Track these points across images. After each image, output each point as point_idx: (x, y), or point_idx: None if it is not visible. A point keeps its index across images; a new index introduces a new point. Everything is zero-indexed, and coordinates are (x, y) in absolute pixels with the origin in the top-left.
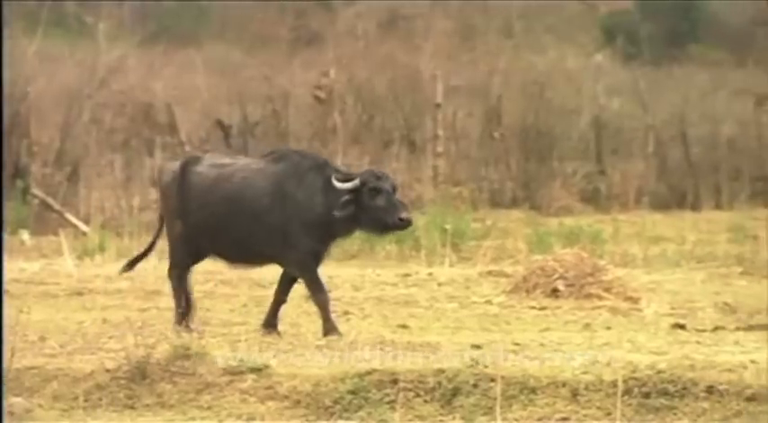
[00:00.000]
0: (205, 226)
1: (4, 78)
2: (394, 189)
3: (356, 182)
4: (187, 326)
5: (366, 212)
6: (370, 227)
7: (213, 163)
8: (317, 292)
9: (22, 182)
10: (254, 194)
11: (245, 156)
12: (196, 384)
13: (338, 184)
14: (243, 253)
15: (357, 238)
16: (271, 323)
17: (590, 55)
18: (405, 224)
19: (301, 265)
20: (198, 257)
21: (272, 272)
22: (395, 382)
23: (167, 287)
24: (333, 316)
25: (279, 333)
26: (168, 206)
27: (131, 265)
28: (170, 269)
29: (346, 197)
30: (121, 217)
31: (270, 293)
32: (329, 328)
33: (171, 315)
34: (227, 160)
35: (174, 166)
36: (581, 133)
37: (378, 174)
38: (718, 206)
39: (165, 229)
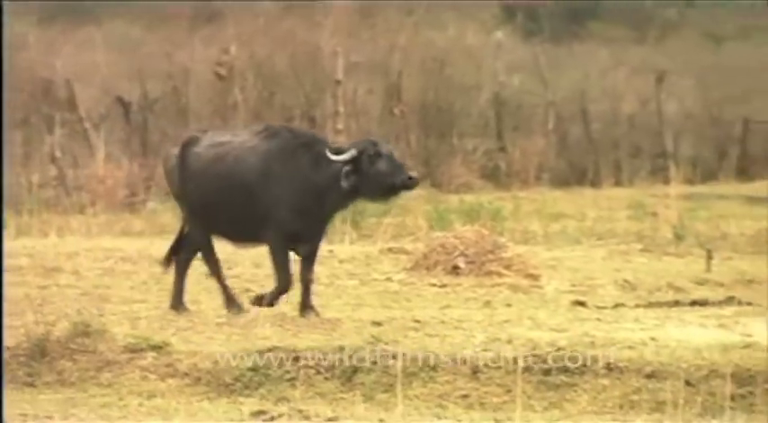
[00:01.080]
0: (202, 206)
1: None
2: (391, 152)
3: (352, 151)
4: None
5: (369, 179)
6: (375, 193)
7: (211, 142)
8: (281, 272)
9: None
10: (245, 173)
11: (242, 130)
12: (96, 362)
13: (334, 157)
14: (240, 233)
15: None
16: (307, 305)
17: (490, 32)
18: (414, 182)
19: (275, 244)
20: (208, 234)
21: None
22: (296, 359)
23: (67, 264)
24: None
25: (317, 313)
26: (173, 191)
27: (168, 260)
28: (177, 249)
29: (347, 168)
30: (20, 194)
31: (170, 270)
32: (270, 301)
33: (71, 292)
34: (225, 138)
35: (175, 150)
36: (481, 110)
37: (373, 141)
38: (618, 183)
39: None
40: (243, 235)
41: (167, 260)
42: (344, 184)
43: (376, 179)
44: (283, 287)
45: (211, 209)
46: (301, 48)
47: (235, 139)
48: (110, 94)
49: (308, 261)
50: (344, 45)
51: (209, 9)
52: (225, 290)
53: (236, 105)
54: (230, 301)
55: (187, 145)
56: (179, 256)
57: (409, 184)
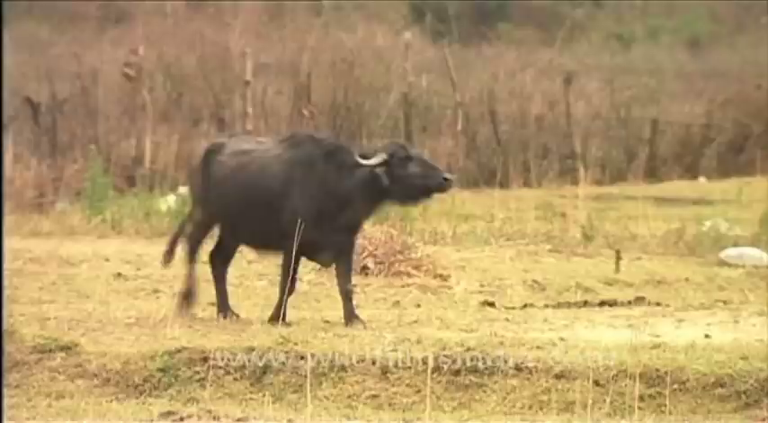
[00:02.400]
0: (226, 214)
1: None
2: (420, 155)
3: (382, 155)
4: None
5: (401, 182)
6: (408, 196)
7: (235, 150)
8: (284, 276)
9: None
10: (268, 181)
11: (266, 138)
12: (5, 362)
13: (364, 161)
14: (264, 241)
15: (165, 215)
16: (351, 316)
17: (399, 33)
18: (449, 184)
19: (289, 250)
20: (227, 244)
21: (83, 249)
22: (205, 359)
23: None
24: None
25: (364, 323)
26: (192, 193)
27: (170, 255)
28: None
29: (380, 170)
30: None
31: (80, 270)
32: (276, 315)
33: None
34: (249, 146)
35: (200, 156)
36: (390, 111)
37: (401, 144)
38: (526, 184)
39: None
40: (267, 243)
41: (168, 257)
42: (385, 181)
43: (409, 182)
44: (282, 290)
45: (235, 217)
46: (210, 48)
47: (259, 147)
48: (18, 94)
49: (342, 271)
50: (253, 46)
51: (117, 10)
52: (222, 294)
53: (144, 106)
54: (223, 306)
55: (211, 152)
56: (216, 265)
57: (445, 185)
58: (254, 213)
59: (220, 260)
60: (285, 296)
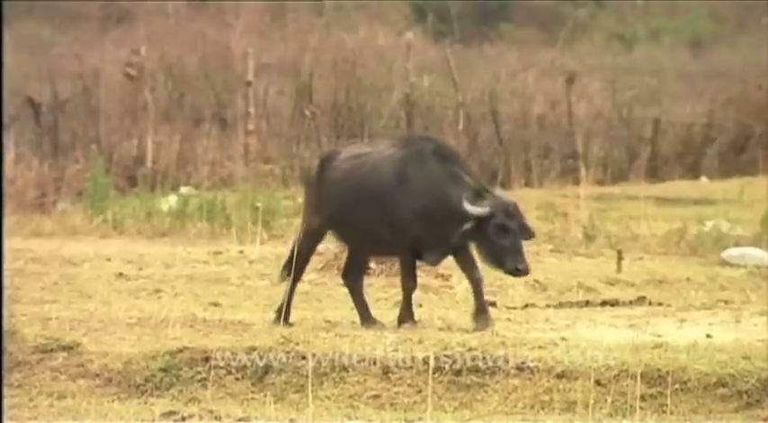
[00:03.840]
0: (339, 217)
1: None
2: (521, 228)
3: (486, 210)
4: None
5: (486, 243)
6: (484, 257)
7: (350, 155)
8: (408, 277)
9: None
10: (380, 179)
11: (382, 141)
12: (6, 362)
13: (468, 208)
14: (375, 243)
15: (166, 215)
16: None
17: (401, 33)
18: (521, 274)
19: (404, 250)
20: (356, 256)
21: (85, 249)
22: (206, 359)
23: None
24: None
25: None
26: (307, 201)
27: (286, 268)
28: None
29: (469, 225)
30: None
31: (81, 270)
32: (405, 316)
33: None
34: (364, 150)
35: (316, 163)
36: (392, 111)
37: (510, 210)
38: (528, 184)
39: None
40: (378, 245)
41: (285, 271)
42: (454, 240)
43: (490, 249)
44: (410, 289)
45: (347, 219)
46: (212, 49)
47: (373, 149)
48: (20, 94)
49: (467, 265)
50: (255, 46)
51: (119, 10)
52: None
53: (146, 106)
54: (366, 318)
55: (327, 159)
56: (348, 279)
57: (516, 273)
58: (365, 212)
59: (353, 274)
60: (410, 295)
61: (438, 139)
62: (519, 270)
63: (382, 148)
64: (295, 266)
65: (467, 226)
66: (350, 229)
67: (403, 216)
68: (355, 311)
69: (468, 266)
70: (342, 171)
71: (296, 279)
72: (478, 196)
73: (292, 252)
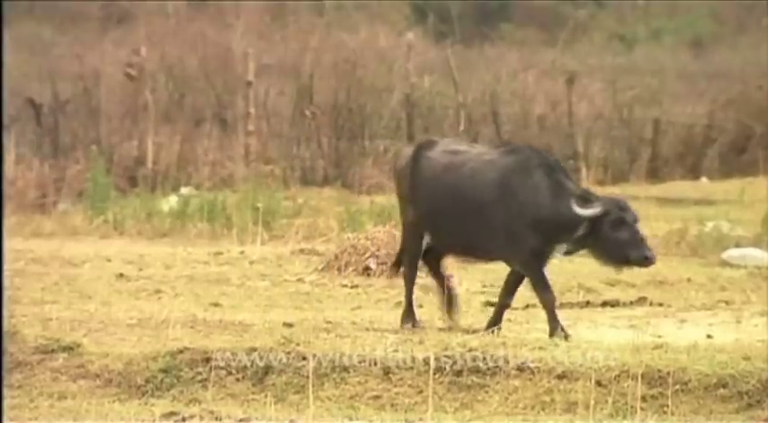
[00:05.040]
0: (432, 215)
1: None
2: (635, 221)
3: (598, 210)
4: (448, 316)
5: (605, 243)
6: (607, 258)
7: (446, 149)
8: (543, 291)
9: None
10: (481, 186)
11: (480, 144)
12: (7, 363)
13: (579, 211)
14: (467, 247)
15: (167, 216)
16: (496, 322)
17: (401, 33)
18: (650, 263)
19: (525, 264)
20: (433, 246)
21: (85, 250)
22: (207, 360)
23: None
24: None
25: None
26: (401, 192)
27: (397, 265)
28: (402, 256)
29: (583, 230)
30: None
31: (82, 271)
32: (554, 328)
33: None
34: (461, 147)
35: (409, 150)
36: (392, 111)
37: (621, 204)
38: None
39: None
40: (471, 249)
41: (396, 267)
42: (571, 249)
43: (611, 246)
44: (551, 302)
45: (441, 219)
46: (212, 49)
47: (471, 149)
48: (20, 95)
49: (516, 284)
50: (255, 46)
51: (119, 10)
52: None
53: (146, 107)
54: (408, 314)
55: (422, 148)
56: (403, 259)
57: (644, 263)
58: (462, 217)
59: (410, 259)
60: (553, 305)
61: (539, 148)
62: (647, 258)
63: (481, 152)
64: (405, 263)
65: (580, 231)
66: (440, 228)
67: (518, 229)
68: (356, 312)
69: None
70: (439, 166)
71: (410, 278)
72: (585, 201)
73: (401, 250)
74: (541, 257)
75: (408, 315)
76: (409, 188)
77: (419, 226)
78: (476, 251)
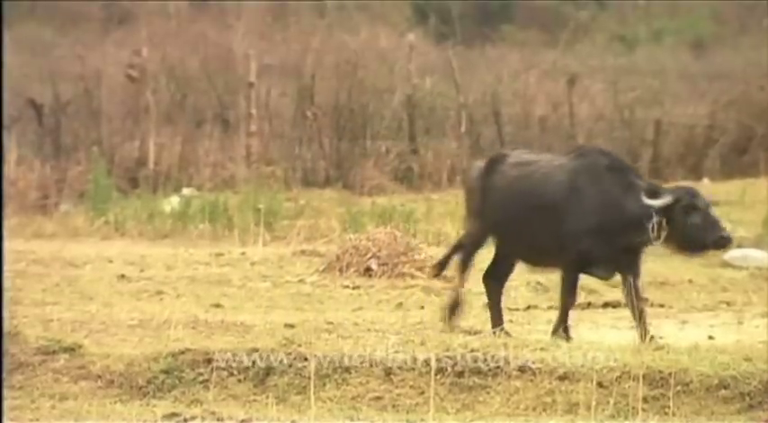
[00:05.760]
0: (503, 225)
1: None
2: (707, 206)
3: (668, 198)
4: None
5: (679, 231)
6: (683, 246)
7: (517, 161)
8: (569, 293)
9: None
10: (550, 190)
11: (549, 152)
12: (8, 364)
13: (649, 202)
14: (540, 254)
15: (168, 217)
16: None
17: (402, 34)
18: (727, 242)
19: (569, 264)
20: (503, 261)
21: (87, 251)
22: (208, 361)
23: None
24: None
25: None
26: (470, 205)
27: (442, 266)
28: (448, 259)
29: (657, 219)
30: None
31: (83, 272)
32: (558, 327)
33: None
34: (531, 157)
35: (480, 164)
36: (394, 112)
37: (690, 191)
38: None
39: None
40: (543, 256)
41: (440, 267)
42: (653, 235)
43: (686, 233)
44: (566, 306)
45: (512, 227)
46: (213, 50)
47: (542, 158)
48: (21, 96)
49: (633, 287)
50: (257, 47)
51: (120, 11)
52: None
53: (147, 108)
54: (497, 321)
55: (494, 161)
56: (489, 283)
57: (721, 243)
58: (533, 223)
59: (495, 278)
60: (567, 310)
61: (610, 150)
62: (724, 238)
63: (551, 158)
64: (458, 270)
65: (654, 220)
66: (512, 238)
67: (574, 230)
68: (357, 313)
69: (633, 293)
70: (509, 177)
71: (460, 284)
72: (654, 193)
73: (449, 252)
74: (594, 260)
75: (451, 314)
76: (480, 201)
77: (482, 237)
78: (546, 258)
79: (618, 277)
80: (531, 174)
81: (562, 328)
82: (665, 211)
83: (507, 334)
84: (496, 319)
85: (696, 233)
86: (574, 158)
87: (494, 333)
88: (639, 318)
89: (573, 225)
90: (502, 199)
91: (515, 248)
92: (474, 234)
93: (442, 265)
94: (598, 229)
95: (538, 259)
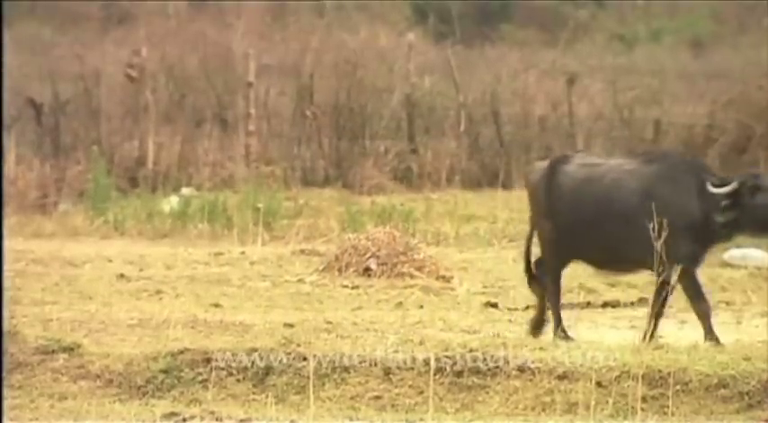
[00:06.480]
0: (573, 228)
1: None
2: None
3: (734, 184)
4: (562, 334)
5: (750, 213)
6: (756, 227)
7: (583, 162)
8: (697, 299)
9: None
10: (625, 196)
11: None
12: (7, 364)
13: (715, 190)
14: (611, 257)
15: (167, 216)
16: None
17: (402, 34)
18: None
19: (684, 272)
20: (567, 260)
21: (86, 250)
22: (207, 361)
23: None
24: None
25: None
26: (537, 207)
27: (530, 271)
28: (545, 271)
29: (726, 202)
30: None
31: (82, 272)
32: (708, 335)
33: None
34: (597, 160)
35: (543, 165)
36: (393, 112)
37: (755, 173)
38: None
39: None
40: (614, 260)
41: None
42: (720, 218)
43: (755, 213)
44: (707, 313)
45: (581, 231)
46: (213, 49)
47: (609, 161)
48: (21, 95)
49: (663, 292)
50: (256, 47)
51: (120, 10)
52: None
53: (147, 107)
54: (561, 327)
55: (557, 163)
56: (546, 274)
57: None
58: (609, 226)
59: (553, 275)
60: (708, 315)
61: (680, 153)
62: None
63: (621, 162)
64: (549, 278)
65: (724, 206)
66: (583, 240)
67: (666, 236)
68: (356, 312)
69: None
70: (577, 180)
71: (555, 292)
72: (722, 183)
73: (527, 260)
74: (692, 262)
75: (561, 328)
76: (546, 203)
77: (559, 240)
78: (621, 262)
79: (618, 277)
80: (600, 177)
81: (714, 335)
82: (732, 196)
83: (570, 338)
84: (559, 323)
85: (763, 212)
86: (644, 163)
87: (557, 337)
88: (654, 319)
89: (669, 234)
90: (571, 202)
91: (584, 250)
92: (551, 237)
93: (533, 278)
94: (687, 233)
95: (609, 262)
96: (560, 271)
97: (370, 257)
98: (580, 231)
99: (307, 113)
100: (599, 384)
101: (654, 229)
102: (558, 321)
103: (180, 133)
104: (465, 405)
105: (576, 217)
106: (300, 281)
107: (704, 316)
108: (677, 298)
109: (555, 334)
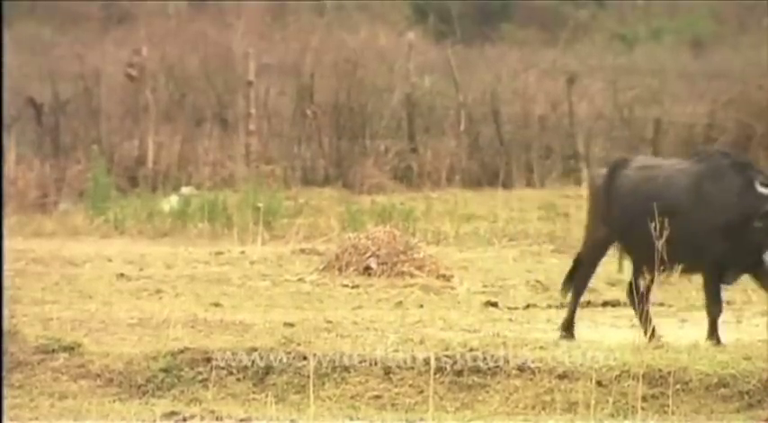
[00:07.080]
0: (631, 230)
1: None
2: None
3: None
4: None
5: None
6: None
7: (641, 165)
8: (713, 300)
9: None
10: (673, 195)
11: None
12: (8, 363)
13: (763, 189)
14: (667, 258)
15: (167, 215)
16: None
17: (402, 33)
18: None
19: (709, 271)
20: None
21: (86, 249)
22: (207, 360)
23: None
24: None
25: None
26: (595, 211)
27: (568, 282)
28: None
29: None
30: None
31: (82, 271)
32: (712, 336)
33: None
34: (655, 162)
35: (603, 170)
36: (393, 111)
37: None
38: (529, 184)
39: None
40: (670, 259)
41: (567, 285)
42: (758, 223)
43: None
44: (715, 315)
45: (635, 231)
46: (213, 49)
47: (665, 162)
48: (21, 95)
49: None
50: (256, 46)
51: (120, 10)
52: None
53: (147, 107)
54: (569, 326)
55: (617, 167)
56: (634, 294)
57: None
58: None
59: (638, 290)
60: (717, 317)
61: (732, 151)
62: None
63: (674, 162)
64: (578, 277)
65: (765, 212)
66: (640, 244)
67: (703, 233)
68: (356, 311)
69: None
70: (633, 182)
71: (579, 290)
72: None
73: (575, 265)
74: (729, 262)
75: (569, 326)
76: (604, 206)
77: (607, 243)
78: (674, 262)
79: (617, 276)
80: (654, 178)
81: (717, 337)
82: None
83: (572, 337)
84: (648, 329)
85: None
86: (695, 161)
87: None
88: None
89: (706, 232)
90: (627, 204)
91: (641, 254)
92: (598, 240)
93: (569, 280)
94: (728, 233)
95: (665, 263)
96: (593, 272)
97: (370, 257)
98: (636, 232)
99: (307, 113)
100: (599, 383)
101: (695, 227)
102: (572, 318)
103: (180, 133)
104: (465, 404)
105: (632, 218)
106: (300, 280)
107: (714, 317)
108: (678, 297)
109: (562, 329)
